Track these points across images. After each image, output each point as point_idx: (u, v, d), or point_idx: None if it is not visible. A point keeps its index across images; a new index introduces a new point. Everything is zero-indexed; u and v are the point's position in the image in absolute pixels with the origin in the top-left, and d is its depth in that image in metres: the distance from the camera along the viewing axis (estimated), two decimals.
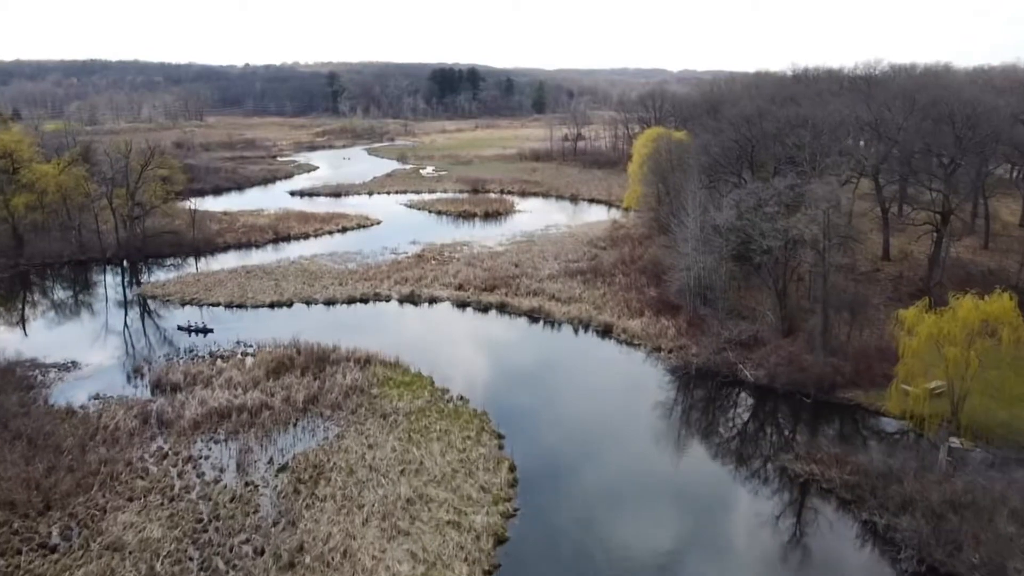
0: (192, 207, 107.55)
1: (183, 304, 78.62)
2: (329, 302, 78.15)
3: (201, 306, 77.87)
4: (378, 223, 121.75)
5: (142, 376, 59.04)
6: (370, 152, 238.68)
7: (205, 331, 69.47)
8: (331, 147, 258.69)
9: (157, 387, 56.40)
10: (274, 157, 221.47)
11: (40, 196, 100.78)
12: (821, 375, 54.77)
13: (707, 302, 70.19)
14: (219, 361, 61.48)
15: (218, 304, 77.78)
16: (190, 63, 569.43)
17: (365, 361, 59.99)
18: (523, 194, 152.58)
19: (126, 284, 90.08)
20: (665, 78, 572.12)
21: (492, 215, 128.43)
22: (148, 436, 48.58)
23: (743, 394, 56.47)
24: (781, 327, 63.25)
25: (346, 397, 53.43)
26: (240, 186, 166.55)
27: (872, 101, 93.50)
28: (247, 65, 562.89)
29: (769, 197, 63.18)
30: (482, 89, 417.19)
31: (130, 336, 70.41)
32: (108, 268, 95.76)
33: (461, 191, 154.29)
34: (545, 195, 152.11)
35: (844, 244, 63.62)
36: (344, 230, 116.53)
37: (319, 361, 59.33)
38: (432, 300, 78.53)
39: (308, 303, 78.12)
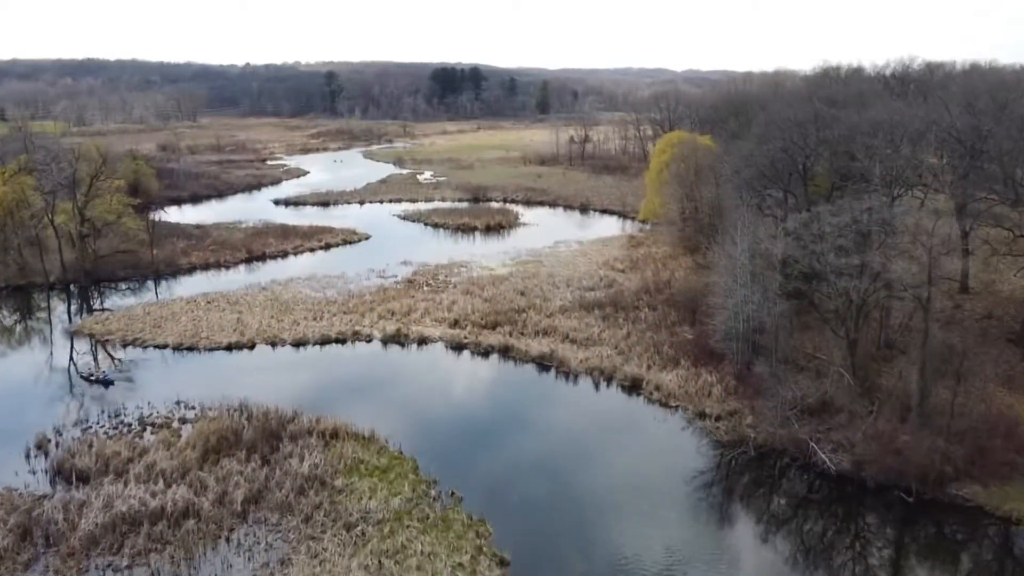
0: (152, 221, 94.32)
1: (124, 344, 65.76)
2: (299, 343, 65.18)
3: (146, 347, 65.00)
4: (367, 238, 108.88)
5: (46, 454, 46.17)
6: (366, 155, 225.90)
7: (106, 383, 57.40)
8: (326, 150, 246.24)
9: (59, 474, 43.54)
10: (263, 161, 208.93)
11: None
12: (925, 463, 41.67)
13: (756, 348, 57.23)
14: (148, 431, 48.64)
15: (165, 346, 64.85)
16: (189, 62, 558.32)
17: (331, 434, 47.06)
18: (528, 203, 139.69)
19: (65, 316, 77.00)
20: (669, 78, 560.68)
21: (494, 228, 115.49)
22: (26, 559, 35.73)
23: (820, 485, 43.32)
24: (856, 388, 50.24)
25: (301, 493, 40.47)
26: (221, 193, 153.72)
27: (932, 103, 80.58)
28: (247, 64, 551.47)
29: (842, 224, 50.07)
30: (484, 89, 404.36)
31: (46, 390, 57.32)
32: (52, 295, 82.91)
33: (460, 199, 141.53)
34: (552, 204, 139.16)
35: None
36: (328, 247, 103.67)
37: (272, 436, 46.38)
38: (422, 341, 65.51)
39: (273, 344, 65.17)
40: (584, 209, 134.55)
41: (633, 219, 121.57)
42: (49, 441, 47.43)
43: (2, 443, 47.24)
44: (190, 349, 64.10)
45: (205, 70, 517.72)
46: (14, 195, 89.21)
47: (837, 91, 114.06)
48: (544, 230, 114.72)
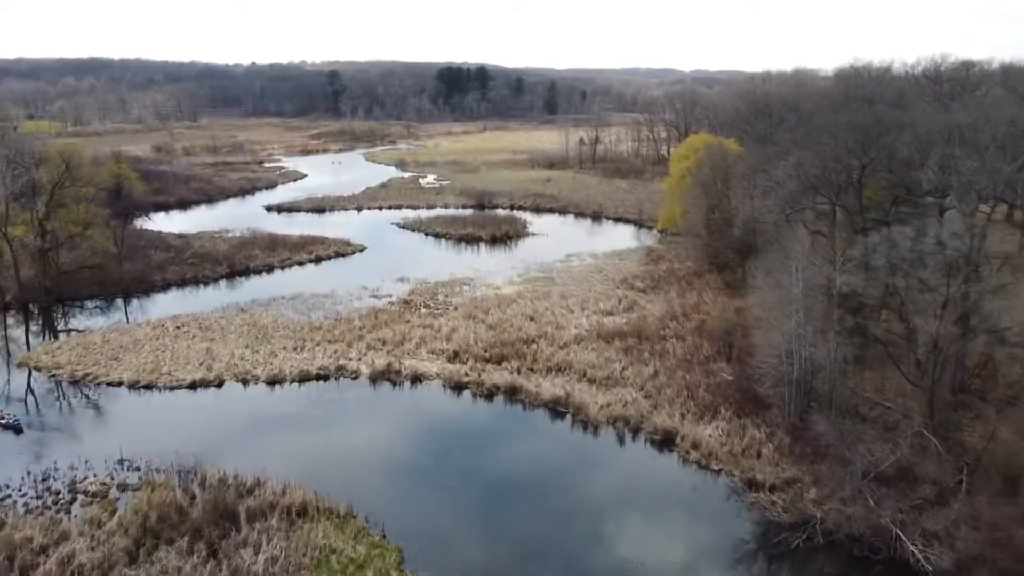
0: (122, 232, 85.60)
1: (74, 381, 57.00)
2: (274, 381, 56.30)
3: (98, 384, 56.24)
4: (361, 250, 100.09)
5: None
6: (367, 157, 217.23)
7: (16, 429, 49.32)
8: (326, 151, 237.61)
9: None
10: (260, 163, 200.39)
11: None
12: None
13: (809, 393, 48.26)
14: (79, 502, 39.94)
15: (120, 383, 56.00)
16: (193, 61, 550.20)
17: (299, 510, 38.24)
18: (536, 210, 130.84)
19: (14, 343, 68.20)
20: (678, 78, 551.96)
21: (500, 239, 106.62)
22: None
23: None
24: (940, 451, 41.20)
25: None
26: (212, 198, 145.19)
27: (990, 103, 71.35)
28: (253, 64, 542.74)
29: (926, 251, 41.04)
30: (491, 89, 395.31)
31: None
32: (8, 316, 74.25)
33: (465, 206, 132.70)
34: (562, 211, 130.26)
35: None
36: (318, 260, 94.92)
37: (225, 514, 37.56)
38: (416, 378, 56.55)
39: (245, 382, 56.34)
40: (597, 217, 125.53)
41: (650, 228, 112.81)
42: None
43: None
44: (148, 387, 55.28)
45: (209, 69, 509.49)
46: None
47: (874, 90, 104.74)
48: (554, 241, 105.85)
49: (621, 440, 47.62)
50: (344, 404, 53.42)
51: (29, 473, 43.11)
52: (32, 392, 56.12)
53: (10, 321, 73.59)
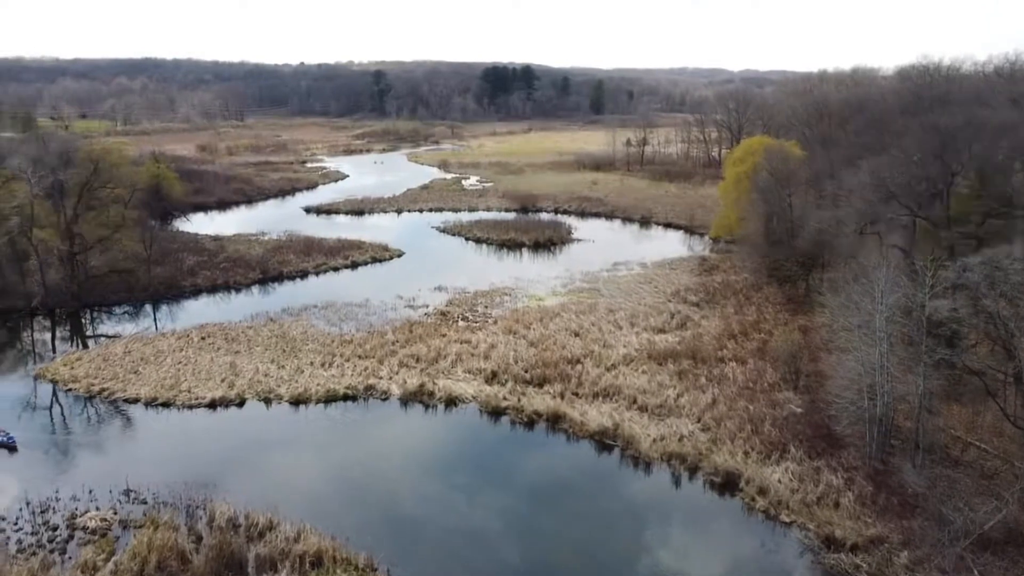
0: (151, 236, 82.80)
1: (89, 396, 53.82)
2: (298, 401, 52.33)
3: (114, 401, 52.93)
4: (399, 255, 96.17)
5: None
6: (410, 158, 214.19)
7: (9, 447, 46.45)
8: (369, 151, 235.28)
9: None
10: (302, 163, 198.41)
11: None
12: None
13: (889, 431, 42.56)
14: (76, 540, 36.28)
15: (136, 400, 52.61)
16: (243, 61, 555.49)
17: (314, 560, 33.98)
18: (582, 214, 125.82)
19: (34, 352, 65.46)
20: (727, 78, 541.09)
21: (543, 245, 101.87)
22: None
23: None
24: None
25: None
26: (251, 199, 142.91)
27: None
28: (301, 64, 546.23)
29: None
30: (536, 89, 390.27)
31: None
32: (34, 322, 71.81)
33: (507, 209, 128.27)
34: (609, 216, 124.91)
35: None
36: (354, 265, 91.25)
37: (231, 563, 33.48)
38: (451, 401, 52.09)
39: (268, 401, 52.49)
40: (645, 222, 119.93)
41: (702, 235, 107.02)
42: None
43: None
44: (165, 405, 51.77)
45: (258, 69, 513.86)
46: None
47: (947, 90, 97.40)
48: (600, 248, 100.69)
49: (677, 481, 42.47)
50: (371, 430, 49.18)
51: (28, 504, 39.66)
52: (43, 407, 52.95)
53: (36, 327, 71.14)
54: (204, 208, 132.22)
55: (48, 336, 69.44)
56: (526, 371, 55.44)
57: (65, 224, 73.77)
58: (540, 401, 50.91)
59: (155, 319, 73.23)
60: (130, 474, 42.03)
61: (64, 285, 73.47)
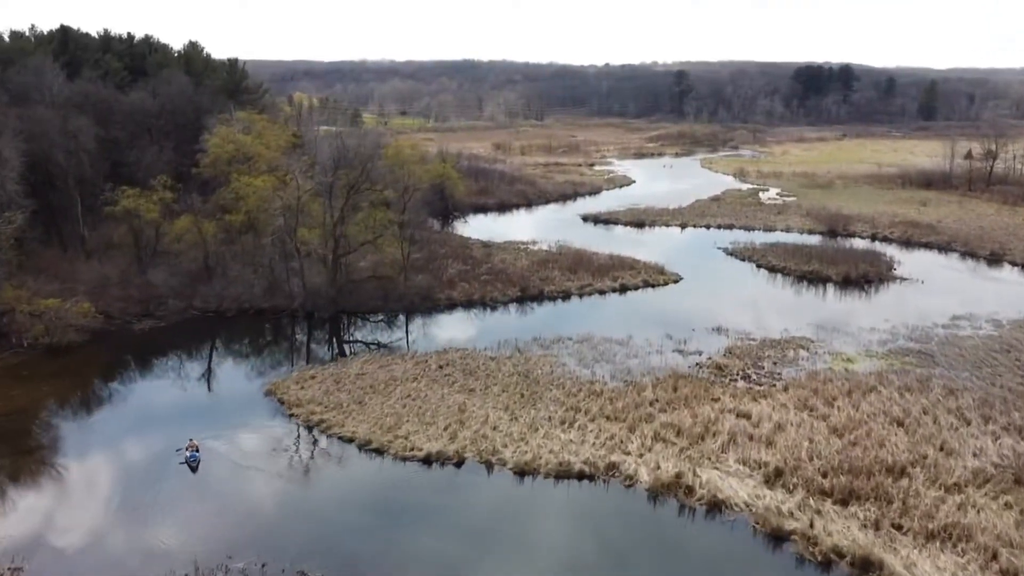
0: (409, 241, 78.74)
1: (309, 427, 48.95)
2: (524, 472, 42.67)
3: (329, 436, 47.47)
4: (676, 281, 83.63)
5: None
6: (703, 163, 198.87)
7: (192, 466, 43.09)
8: (661, 154, 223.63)
9: None
10: (591, 165, 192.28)
11: (245, 216, 79.18)
12: None
13: None
14: None
15: (351, 439, 46.59)
16: (550, 62, 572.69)
17: None
18: (907, 244, 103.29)
19: (278, 361, 63.11)
20: None
21: (855, 281, 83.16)
22: None
23: None
24: None
25: None
26: (531, 203, 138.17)
27: None
28: (606, 65, 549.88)
29: None
30: (855, 90, 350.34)
31: (178, 491, 41.73)
32: (296, 324, 70.77)
33: (811, 231, 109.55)
34: (944, 248, 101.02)
35: None
36: (623, 289, 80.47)
37: None
38: (714, 504, 39.18)
39: (490, 465, 43.41)
40: (994, 261, 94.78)
41: None
42: None
43: None
44: (379, 452, 45.02)
45: (564, 70, 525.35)
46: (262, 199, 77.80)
47: None
48: (933, 291, 79.72)
49: None
50: (607, 525, 38.02)
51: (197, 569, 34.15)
52: (253, 429, 48.72)
53: (296, 330, 69.99)
54: (484, 210, 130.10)
55: (300, 341, 67.78)
56: (824, 475, 40.59)
57: (332, 225, 71.91)
58: (843, 530, 36.08)
59: (407, 332, 68.87)
60: (303, 545, 35.16)
61: (324, 289, 71.63)
